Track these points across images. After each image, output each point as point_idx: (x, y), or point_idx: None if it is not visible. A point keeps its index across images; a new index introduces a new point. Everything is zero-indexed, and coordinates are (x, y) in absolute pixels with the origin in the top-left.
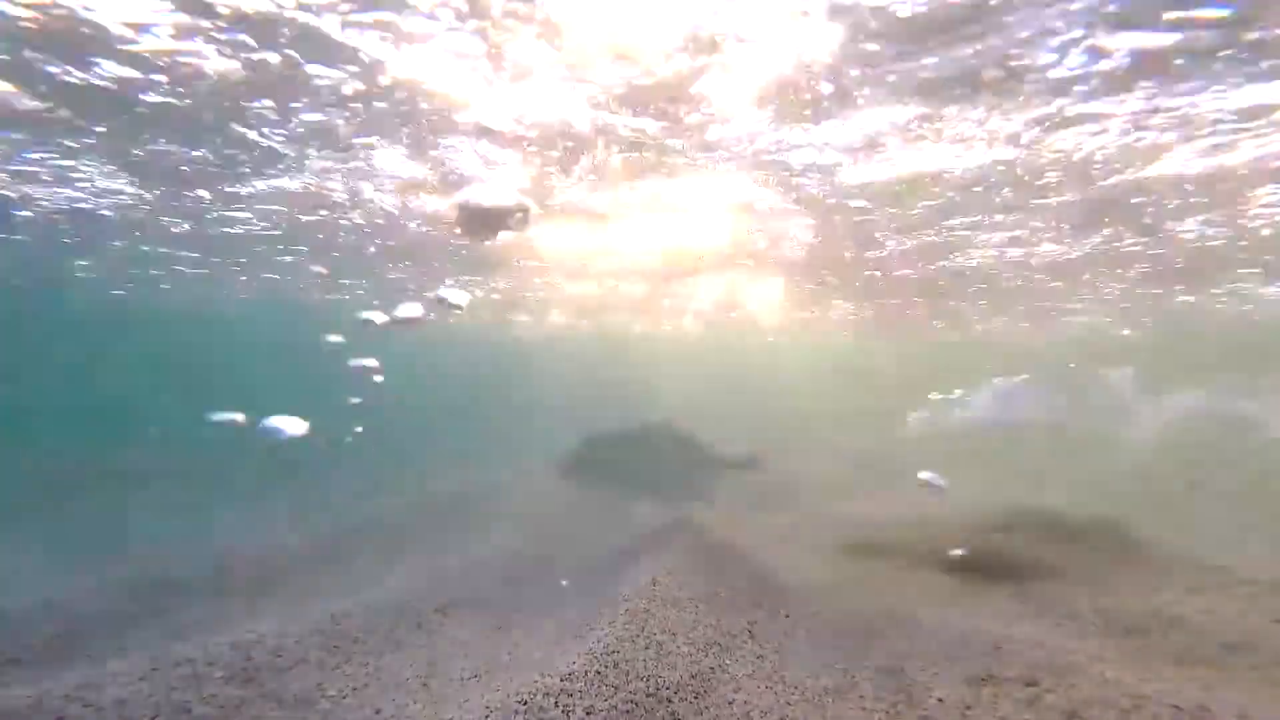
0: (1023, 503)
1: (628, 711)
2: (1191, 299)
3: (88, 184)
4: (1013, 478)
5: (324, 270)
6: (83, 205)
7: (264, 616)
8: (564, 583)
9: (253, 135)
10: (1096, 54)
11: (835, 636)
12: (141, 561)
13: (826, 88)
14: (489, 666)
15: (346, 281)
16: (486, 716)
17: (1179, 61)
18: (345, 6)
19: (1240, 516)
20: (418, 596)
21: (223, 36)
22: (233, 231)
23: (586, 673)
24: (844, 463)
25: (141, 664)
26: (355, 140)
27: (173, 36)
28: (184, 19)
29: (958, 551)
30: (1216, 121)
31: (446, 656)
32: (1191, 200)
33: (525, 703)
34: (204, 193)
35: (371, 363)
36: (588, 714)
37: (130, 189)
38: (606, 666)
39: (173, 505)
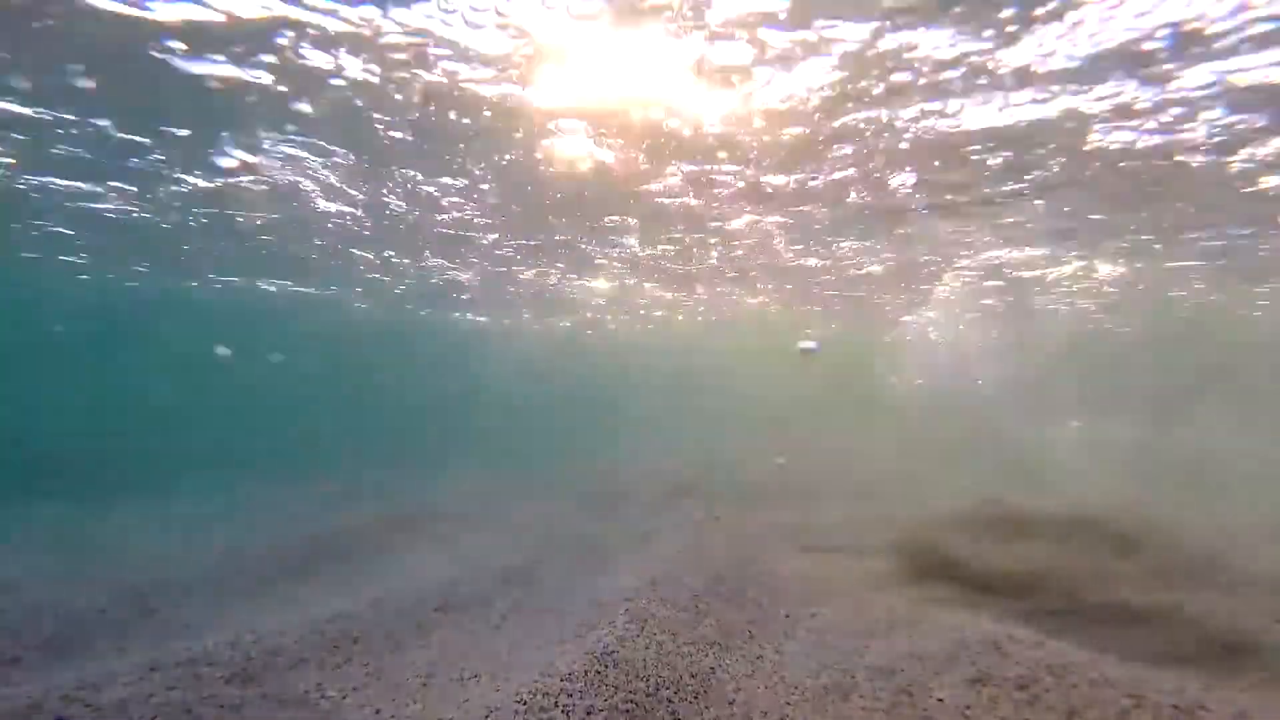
0: (1007, 498)
1: (628, 711)
2: None
3: None
4: (980, 466)
5: None
6: None
7: (264, 616)
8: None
9: None
10: None
11: (835, 636)
12: (144, 559)
13: None
14: (489, 666)
15: None
16: (487, 716)
17: None
18: None
19: (1243, 515)
20: (418, 596)
21: None
22: None
23: (587, 673)
24: (839, 461)
25: (141, 664)
26: None
27: None
28: None
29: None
30: None
31: (446, 656)
32: None
33: (525, 703)
34: None
35: None
36: (588, 714)
37: None
38: (606, 666)
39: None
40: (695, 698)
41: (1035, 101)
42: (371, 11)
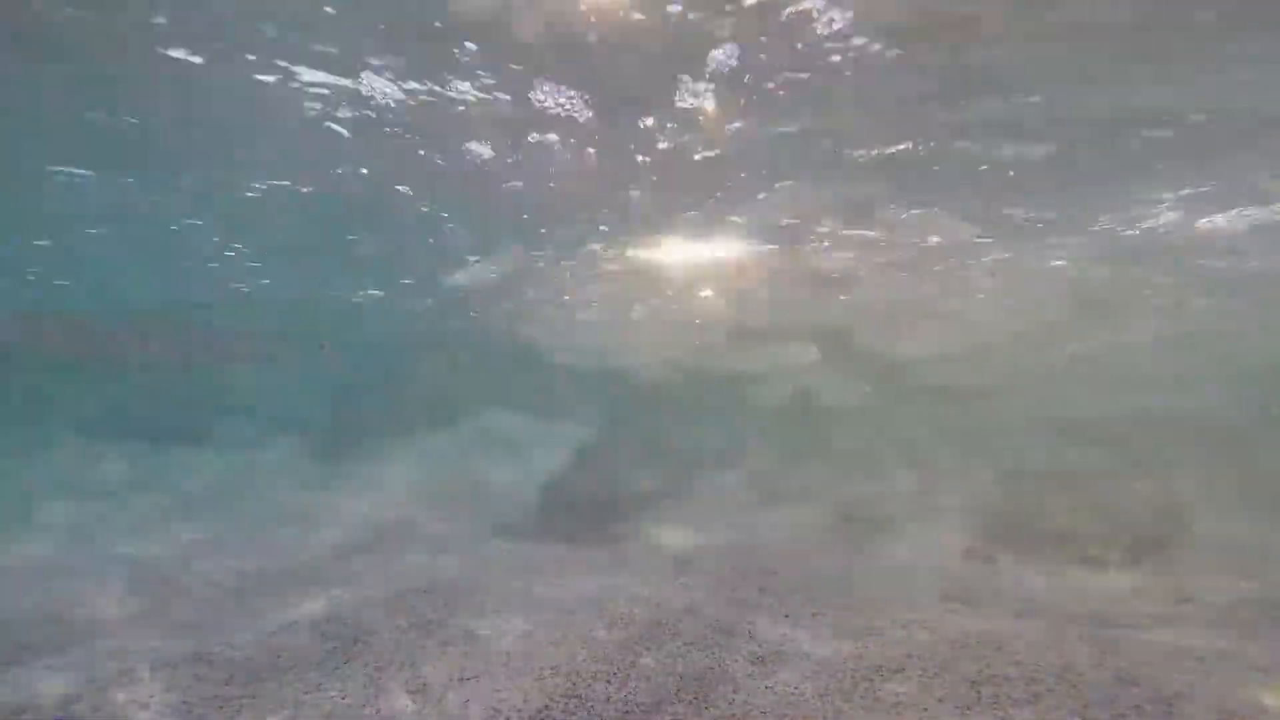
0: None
1: (628, 712)
2: None
3: None
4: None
5: None
6: None
7: (263, 617)
8: None
9: None
10: None
11: (835, 636)
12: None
13: None
14: (490, 666)
15: None
16: (487, 717)
17: None
18: None
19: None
20: (418, 595)
21: None
22: None
23: (587, 673)
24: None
25: (141, 665)
26: None
27: None
28: None
29: None
30: None
31: (447, 656)
32: None
33: (527, 704)
34: None
35: None
36: (590, 715)
37: None
38: (607, 667)
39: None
40: (695, 698)
41: None
42: None
